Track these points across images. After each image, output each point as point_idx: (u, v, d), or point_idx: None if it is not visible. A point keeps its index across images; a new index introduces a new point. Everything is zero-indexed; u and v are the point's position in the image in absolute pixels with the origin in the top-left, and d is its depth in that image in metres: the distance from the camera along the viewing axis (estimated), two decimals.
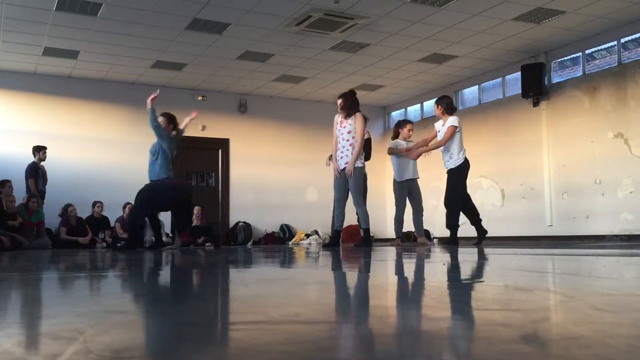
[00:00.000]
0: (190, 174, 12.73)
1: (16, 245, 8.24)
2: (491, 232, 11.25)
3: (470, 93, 12.36)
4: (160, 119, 7.35)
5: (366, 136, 7.30)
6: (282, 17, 8.61)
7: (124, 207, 10.87)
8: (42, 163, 10.03)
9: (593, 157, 9.54)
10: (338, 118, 6.90)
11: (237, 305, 1.47)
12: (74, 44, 9.66)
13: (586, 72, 9.89)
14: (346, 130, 6.75)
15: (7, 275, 2.69)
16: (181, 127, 7.73)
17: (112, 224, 10.77)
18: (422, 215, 7.88)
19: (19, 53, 10.10)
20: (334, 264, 3.47)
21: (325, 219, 10.92)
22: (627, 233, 8.96)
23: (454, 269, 2.83)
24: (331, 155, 6.98)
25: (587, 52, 9.92)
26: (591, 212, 9.56)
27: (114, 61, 10.63)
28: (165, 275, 2.80)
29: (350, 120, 6.74)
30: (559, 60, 10.41)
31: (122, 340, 0.93)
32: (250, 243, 12.33)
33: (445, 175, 7.29)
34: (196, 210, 11.04)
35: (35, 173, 9.82)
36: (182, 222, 7.83)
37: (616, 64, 9.40)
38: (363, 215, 6.79)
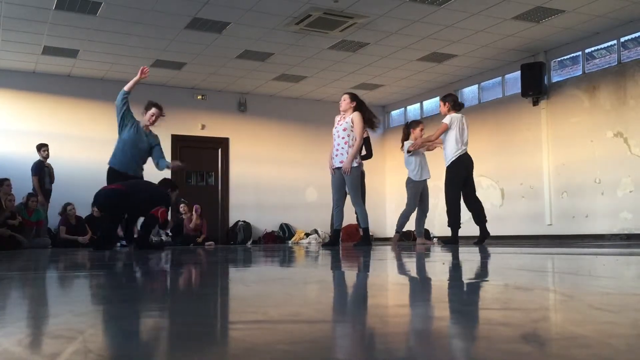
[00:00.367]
0: (189, 173, 12.73)
1: (15, 244, 8.24)
2: (491, 231, 11.25)
3: (469, 92, 12.36)
4: (154, 111, 7.33)
5: (364, 135, 7.29)
6: (281, 16, 8.61)
7: None
8: (49, 161, 10.02)
9: (593, 156, 9.54)
10: (337, 117, 6.91)
11: (236, 304, 1.47)
12: (73, 42, 9.65)
13: (586, 71, 9.89)
14: (342, 128, 6.73)
15: (6, 274, 2.69)
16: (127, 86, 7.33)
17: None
18: (426, 216, 7.94)
19: (19, 52, 10.09)
20: (333, 263, 3.47)
21: (325, 218, 10.92)
22: (626, 232, 8.96)
23: (453, 268, 2.83)
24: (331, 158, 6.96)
25: (586, 51, 9.92)
26: (591, 211, 9.57)
27: (113, 60, 10.62)
28: (164, 275, 2.80)
29: (347, 119, 6.73)
30: (559, 59, 10.41)
31: (121, 340, 0.93)
32: (249, 242, 12.33)
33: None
34: (195, 207, 11.04)
35: (40, 171, 9.82)
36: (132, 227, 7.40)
37: (616, 63, 9.40)
38: (362, 214, 6.79)
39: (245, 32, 9.27)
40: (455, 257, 3.81)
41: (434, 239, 10.09)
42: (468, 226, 7.90)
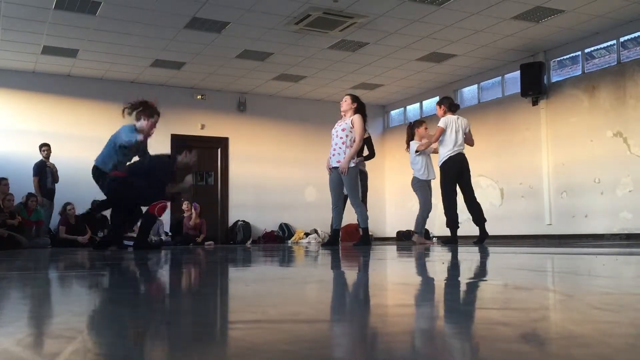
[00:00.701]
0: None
1: (15, 244, 8.24)
2: (490, 231, 11.24)
3: (469, 92, 12.36)
4: (157, 119, 6.83)
5: (366, 135, 7.29)
6: (281, 15, 8.60)
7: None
8: (52, 161, 10.00)
9: (592, 156, 9.54)
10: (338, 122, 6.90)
11: (236, 304, 1.47)
12: (73, 42, 9.65)
13: (585, 71, 9.90)
14: (340, 128, 6.72)
15: (6, 274, 2.69)
16: None
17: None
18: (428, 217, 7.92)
19: (18, 52, 10.09)
20: (332, 263, 3.47)
21: (325, 218, 10.92)
22: (626, 232, 8.96)
23: (453, 267, 2.83)
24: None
25: (586, 51, 9.92)
26: (590, 211, 9.57)
27: (113, 60, 10.62)
28: (164, 275, 2.80)
29: (347, 120, 6.71)
30: (558, 59, 10.42)
31: (120, 340, 0.93)
32: (249, 242, 12.33)
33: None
34: (195, 205, 11.05)
35: (41, 171, 9.80)
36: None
37: (615, 63, 9.41)
38: (362, 214, 6.77)
39: (244, 31, 9.27)
40: (455, 257, 3.81)
41: (434, 238, 10.09)
42: (467, 226, 7.90)
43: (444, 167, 7.12)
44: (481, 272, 2.51)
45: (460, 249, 5.04)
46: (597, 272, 2.21)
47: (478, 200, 7.45)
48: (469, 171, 7.31)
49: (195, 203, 11.07)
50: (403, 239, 12.32)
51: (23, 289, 1.92)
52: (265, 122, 13.22)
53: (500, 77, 11.51)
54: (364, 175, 7.16)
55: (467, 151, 7.47)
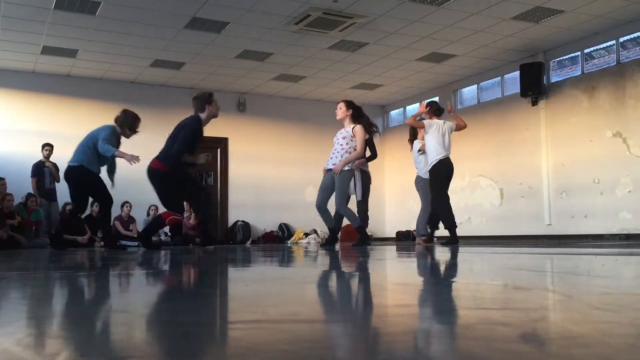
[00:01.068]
0: None
1: (15, 244, 8.24)
2: (489, 231, 11.32)
3: (469, 92, 12.36)
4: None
5: (367, 136, 7.30)
6: (281, 16, 8.60)
7: (122, 206, 10.87)
8: (53, 160, 9.97)
9: (592, 156, 9.55)
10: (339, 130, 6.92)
11: (236, 304, 1.47)
12: (72, 42, 9.64)
13: (585, 72, 9.90)
14: (342, 136, 6.72)
15: (5, 274, 2.69)
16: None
17: (110, 223, 10.75)
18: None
19: (18, 52, 10.09)
20: (332, 263, 3.47)
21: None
22: (625, 232, 8.97)
23: (453, 267, 2.83)
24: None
25: (585, 51, 9.93)
26: (590, 211, 9.57)
27: (112, 60, 10.62)
28: (163, 275, 2.80)
29: (348, 129, 6.71)
30: (558, 59, 10.42)
31: (121, 339, 0.93)
32: (249, 242, 12.33)
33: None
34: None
35: (39, 172, 9.78)
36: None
37: (615, 63, 9.41)
38: (349, 216, 6.76)
39: (244, 31, 9.27)
40: (454, 257, 3.81)
41: (434, 239, 10.08)
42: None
43: (434, 170, 7.24)
44: (481, 272, 2.51)
45: (459, 249, 5.04)
46: (597, 272, 2.21)
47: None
48: (452, 176, 7.42)
49: None
50: (402, 239, 12.33)
51: (23, 289, 1.92)
52: (265, 122, 13.22)
53: (499, 77, 11.51)
54: (366, 175, 7.15)
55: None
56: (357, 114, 6.86)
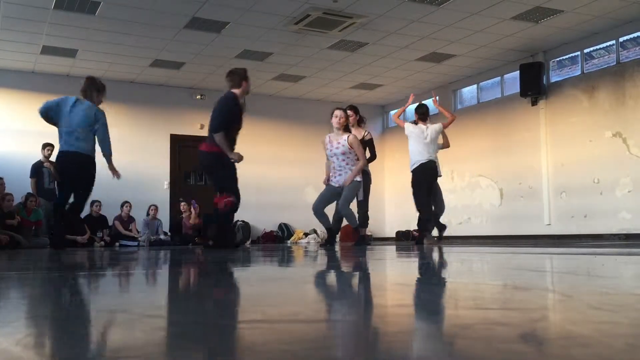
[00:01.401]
0: (188, 173, 12.74)
1: (15, 244, 8.23)
2: (489, 231, 11.32)
3: (468, 92, 12.36)
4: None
5: (367, 137, 7.33)
6: (280, 16, 8.60)
7: (122, 206, 10.87)
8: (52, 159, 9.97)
9: (591, 156, 9.55)
10: (327, 138, 6.82)
11: (235, 304, 1.47)
12: (72, 42, 9.64)
13: (585, 72, 9.90)
14: (340, 152, 6.66)
15: (5, 274, 2.68)
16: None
17: (110, 223, 10.77)
18: (441, 216, 7.93)
19: (17, 52, 10.09)
20: (331, 264, 3.47)
21: None
22: (625, 232, 8.97)
23: (453, 267, 2.83)
24: (328, 178, 6.93)
25: (585, 51, 9.93)
26: (589, 211, 9.57)
27: (112, 60, 10.62)
28: (163, 275, 2.80)
29: (342, 141, 6.65)
30: (558, 59, 10.42)
31: (120, 339, 0.93)
32: (248, 242, 12.33)
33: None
34: (193, 202, 11.04)
35: (37, 172, 9.78)
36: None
37: (615, 63, 9.41)
38: (349, 217, 6.79)
39: (244, 31, 9.27)
40: (454, 257, 3.82)
41: (434, 238, 10.08)
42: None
43: (415, 172, 7.43)
44: (480, 272, 2.51)
45: (458, 250, 5.04)
46: (596, 272, 2.21)
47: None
48: (435, 180, 7.49)
49: (195, 203, 11.06)
50: (402, 239, 12.32)
51: (22, 289, 1.92)
52: (264, 122, 13.21)
53: (499, 77, 11.51)
54: (367, 176, 7.19)
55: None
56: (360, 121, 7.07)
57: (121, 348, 0.84)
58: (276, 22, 8.85)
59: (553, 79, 10.46)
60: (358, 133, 7.12)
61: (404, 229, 12.80)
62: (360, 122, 7.39)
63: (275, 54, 10.41)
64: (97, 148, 6.63)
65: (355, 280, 2.22)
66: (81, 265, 3.66)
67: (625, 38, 9.34)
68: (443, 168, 8.23)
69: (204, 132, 12.67)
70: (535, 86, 10.26)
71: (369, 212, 7.45)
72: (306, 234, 12.81)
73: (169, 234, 11.27)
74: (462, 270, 2.65)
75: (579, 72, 10.01)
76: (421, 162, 7.34)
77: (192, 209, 11.04)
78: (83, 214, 10.46)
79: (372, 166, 7.56)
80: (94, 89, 6.74)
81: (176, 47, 9.99)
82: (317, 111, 13.36)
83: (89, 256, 4.96)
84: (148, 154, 12.03)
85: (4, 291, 1.83)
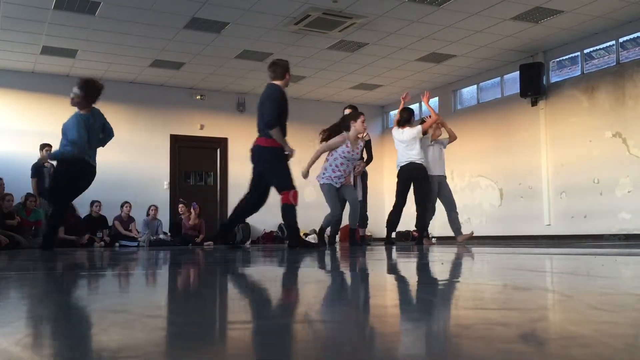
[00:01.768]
0: (188, 173, 12.74)
1: (14, 244, 8.23)
2: (489, 232, 11.32)
3: (468, 92, 12.36)
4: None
5: (366, 137, 7.35)
6: (280, 16, 8.61)
7: (122, 206, 10.87)
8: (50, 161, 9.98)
9: (591, 156, 9.55)
10: (347, 142, 6.75)
11: (235, 304, 1.47)
12: (72, 42, 9.64)
13: (584, 72, 9.91)
14: (358, 158, 6.81)
15: (5, 274, 2.68)
16: None
17: (110, 223, 10.77)
18: (456, 213, 7.82)
19: (17, 52, 10.09)
20: (332, 264, 3.47)
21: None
22: (625, 232, 8.97)
23: (452, 268, 2.84)
24: (307, 172, 6.98)
25: (585, 51, 9.93)
26: (589, 211, 9.58)
27: (112, 60, 10.62)
28: (162, 275, 2.80)
29: (360, 147, 6.78)
30: (558, 59, 10.42)
31: (119, 339, 0.93)
32: (248, 242, 12.33)
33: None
34: (194, 205, 11.03)
35: (38, 172, 9.79)
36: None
37: (614, 64, 9.41)
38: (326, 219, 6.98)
39: (244, 32, 9.27)
40: (453, 257, 3.82)
41: (433, 239, 10.08)
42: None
43: (398, 174, 7.47)
44: (480, 273, 2.51)
45: (459, 250, 5.04)
46: (596, 273, 2.21)
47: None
48: (422, 180, 7.35)
49: (195, 203, 11.06)
50: (402, 240, 12.32)
51: (22, 289, 1.92)
52: None
53: (499, 78, 11.51)
54: (364, 176, 7.22)
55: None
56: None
57: (120, 348, 0.84)
58: (276, 22, 8.85)
59: (553, 80, 10.46)
60: None
61: (403, 230, 12.79)
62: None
63: (275, 54, 10.41)
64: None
65: (355, 280, 2.21)
66: (81, 265, 3.66)
67: (625, 38, 9.35)
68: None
69: (204, 132, 12.80)
70: (535, 86, 10.26)
71: (367, 213, 7.48)
72: (306, 234, 12.80)
73: (168, 234, 11.27)
74: (462, 270, 2.65)
75: (578, 73, 10.01)
76: (400, 164, 7.36)
77: (192, 210, 11.04)
78: (83, 214, 10.50)
79: (371, 167, 7.58)
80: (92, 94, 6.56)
81: (176, 47, 10.00)
82: (317, 111, 13.35)
83: (88, 256, 4.96)
84: (148, 154, 12.03)
85: (3, 291, 1.83)
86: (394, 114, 14.12)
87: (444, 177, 7.69)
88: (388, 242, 7.49)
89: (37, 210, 9.55)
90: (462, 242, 7.41)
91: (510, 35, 9.55)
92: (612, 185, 9.24)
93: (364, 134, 6.86)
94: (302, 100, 13.47)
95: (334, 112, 7.34)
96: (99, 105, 6.85)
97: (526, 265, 2.77)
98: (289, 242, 6.27)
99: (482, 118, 11.58)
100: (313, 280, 2.29)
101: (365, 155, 7.37)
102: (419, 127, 7.39)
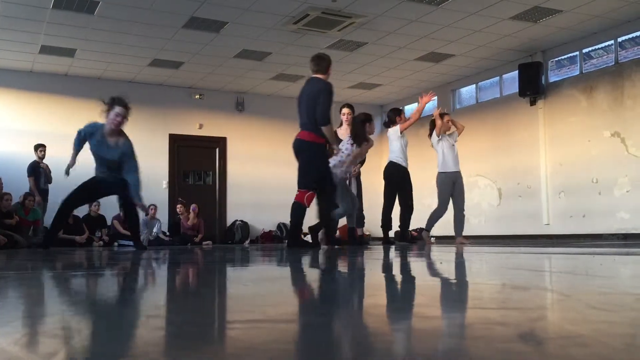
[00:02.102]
0: (187, 173, 12.73)
1: (13, 243, 8.23)
2: (488, 231, 11.32)
3: (467, 92, 12.37)
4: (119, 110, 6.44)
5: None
6: (279, 15, 8.60)
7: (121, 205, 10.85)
8: (46, 161, 10.00)
9: (590, 156, 9.56)
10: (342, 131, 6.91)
11: (234, 303, 1.47)
12: (70, 42, 9.63)
13: (583, 71, 9.91)
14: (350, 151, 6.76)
15: (3, 274, 2.68)
16: None
17: (109, 223, 10.76)
18: (463, 214, 7.73)
19: (16, 51, 10.07)
20: (331, 264, 3.47)
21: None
22: (623, 232, 8.98)
23: (450, 267, 2.84)
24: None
25: (584, 51, 9.94)
26: (588, 211, 9.58)
27: (111, 59, 10.61)
28: (161, 274, 2.80)
29: (349, 140, 6.76)
30: (556, 59, 10.43)
31: (117, 339, 0.93)
32: (247, 242, 12.33)
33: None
34: (193, 207, 11.03)
35: (35, 172, 9.80)
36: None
37: (613, 63, 9.42)
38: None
39: (242, 31, 9.27)
40: (452, 257, 3.82)
41: (432, 238, 10.08)
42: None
43: (384, 174, 7.61)
44: (479, 272, 2.51)
45: (458, 250, 5.04)
46: (595, 272, 2.21)
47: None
48: (405, 183, 7.42)
49: (193, 205, 11.06)
50: (399, 239, 12.31)
51: (20, 289, 1.92)
52: (263, 122, 13.21)
53: (498, 77, 11.52)
54: (359, 175, 7.28)
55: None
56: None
57: (120, 347, 0.84)
58: (275, 21, 8.84)
59: (552, 79, 10.47)
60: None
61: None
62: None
63: (273, 53, 10.41)
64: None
65: (353, 280, 2.22)
66: (79, 265, 3.66)
67: (623, 38, 9.35)
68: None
69: (203, 132, 12.78)
70: (533, 86, 10.27)
71: (363, 212, 7.51)
72: (305, 234, 12.80)
73: (167, 233, 11.26)
74: (461, 270, 2.66)
75: (577, 72, 10.02)
76: (393, 163, 7.46)
77: (190, 210, 11.03)
78: (82, 214, 10.49)
79: (370, 166, 7.60)
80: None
81: (175, 47, 9.99)
82: None
83: (87, 256, 4.96)
84: (147, 154, 11.97)
85: (2, 291, 1.82)
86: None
87: (459, 173, 7.61)
88: (385, 241, 7.55)
89: (35, 210, 9.55)
90: (459, 243, 7.36)
91: (509, 34, 9.55)
92: (610, 184, 9.24)
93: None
94: None
95: (333, 112, 7.33)
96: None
97: (525, 264, 2.77)
98: (287, 241, 6.23)
99: (481, 117, 11.58)
100: (313, 279, 2.28)
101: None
102: (396, 127, 7.43)
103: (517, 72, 10.57)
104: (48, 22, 8.71)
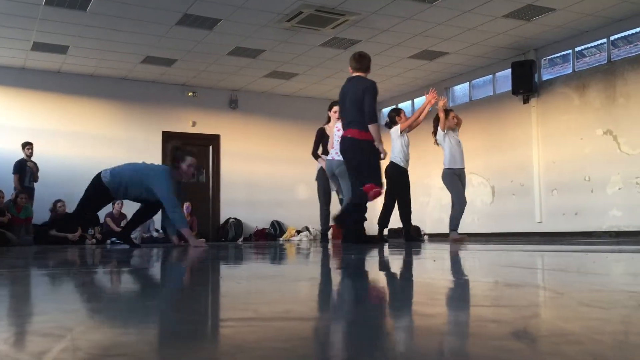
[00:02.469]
0: None
1: (5, 241, 8.20)
2: (481, 229, 11.35)
3: (460, 90, 12.39)
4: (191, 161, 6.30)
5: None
6: (273, 13, 8.59)
7: (114, 202, 10.82)
8: (34, 159, 9.97)
9: (582, 154, 9.60)
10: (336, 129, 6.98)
11: (227, 301, 1.47)
12: (63, 39, 9.59)
13: (576, 70, 9.95)
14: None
15: None
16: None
17: (101, 220, 10.72)
18: (462, 210, 7.71)
19: (8, 48, 10.02)
20: (324, 261, 3.47)
21: (316, 215, 10.96)
22: (615, 229, 9.03)
23: (443, 265, 2.84)
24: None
25: (577, 49, 9.97)
26: (580, 208, 9.63)
27: (103, 56, 10.57)
28: (154, 272, 2.79)
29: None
30: (549, 57, 10.46)
31: (110, 337, 0.92)
32: (241, 239, 12.32)
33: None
34: (186, 205, 11.01)
35: (21, 170, 9.76)
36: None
37: (606, 62, 9.46)
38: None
39: (236, 28, 9.25)
40: (444, 254, 3.83)
41: (424, 235, 10.11)
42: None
43: (385, 173, 7.41)
44: (472, 270, 2.52)
45: (452, 248, 5.05)
46: (587, 270, 2.22)
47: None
48: (402, 184, 7.40)
49: (187, 204, 11.04)
50: (394, 236, 12.33)
51: (11, 287, 1.91)
52: (256, 120, 13.20)
53: (491, 75, 11.55)
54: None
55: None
56: None
57: (111, 346, 0.83)
58: (268, 19, 8.83)
59: (544, 77, 10.50)
60: None
61: (396, 227, 12.80)
62: None
63: (267, 51, 10.39)
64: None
65: (347, 278, 2.21)
66: (71, 262, 3.64)
67: (616, 36, 9.39)
68: (435, 166, 8.23)
69: (196, 129, 12.76)
70: (526, 84, 10.30)
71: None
72: (298, 232, 12.81)
73: (160, 231, 11.23)
74: (453, 268, 2.66)
75: (570, 70, 10.06)
76: (392, 163, 7.46)
77: (183, 209, 11.01)
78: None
79: None
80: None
81: (168, 44, 9.96)
82: (309, 108, 13.35)
83: (80, 254, 4.94)
84: (140, 151, 11.97)
85: None
86: (386, 111, 14.17)
87: (464, 170, 7.61)
88: (380, 239, 7.59)
89: (27, 207, 9.51)
90: (451, 241, 7.34)
91: (502, 32, 9.57)
92: (603, 182, 9.29)
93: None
94: (295, 97, 13.46)
95: (327, 110, 7.37)
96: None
97: (518, 262, 2.78)
98: (350, 238, 5.97)
99: (474, 115, 11.61)
100: (305, 277, 2.28)
101: None
102: (397, 127, 7.46)
103: (510, 70, 10.60)
104: (40, 18, 8.66)
